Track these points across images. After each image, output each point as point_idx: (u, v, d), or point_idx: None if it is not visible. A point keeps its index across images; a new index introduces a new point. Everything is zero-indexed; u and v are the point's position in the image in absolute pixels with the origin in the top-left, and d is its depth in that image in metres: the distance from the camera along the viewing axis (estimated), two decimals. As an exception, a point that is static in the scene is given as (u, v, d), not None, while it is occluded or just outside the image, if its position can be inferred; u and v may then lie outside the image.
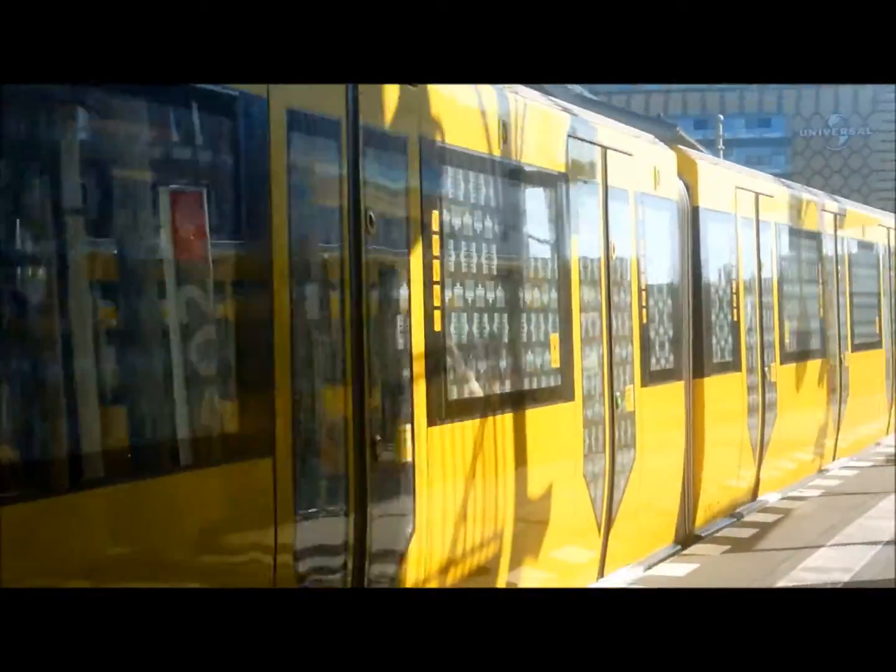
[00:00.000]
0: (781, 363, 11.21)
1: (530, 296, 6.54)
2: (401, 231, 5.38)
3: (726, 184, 10.39)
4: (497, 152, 6.12)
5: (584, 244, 7.20)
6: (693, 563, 8.29)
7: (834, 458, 12.21)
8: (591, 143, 7.36)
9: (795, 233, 12.02)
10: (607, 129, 8.06)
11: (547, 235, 7.09)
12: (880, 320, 14.65)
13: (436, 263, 5.38)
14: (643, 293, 7.96)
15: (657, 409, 8.15)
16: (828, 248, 12.69)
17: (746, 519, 9.84)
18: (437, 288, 5.38)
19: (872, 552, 8.24)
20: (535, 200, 7.02)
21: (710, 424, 9.16)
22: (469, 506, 5.75)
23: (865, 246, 14.74)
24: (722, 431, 9.55)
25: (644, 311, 7.94)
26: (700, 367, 8.97)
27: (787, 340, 11.27)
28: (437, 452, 5.53)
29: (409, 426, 5.25)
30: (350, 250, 4.82)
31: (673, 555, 8.37)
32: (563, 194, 6.99)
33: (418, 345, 5.39)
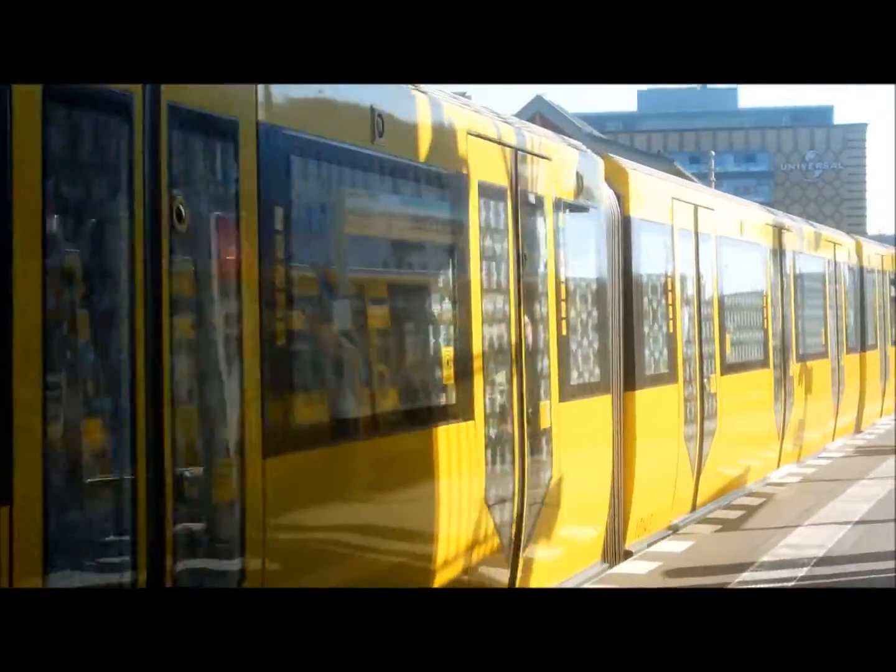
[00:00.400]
0: (722, 374, 11.01)
1: (411, 308, 5.82)
2: (228, 230, 4.42)
3: (662, 194, 10.04)
4: (369, 145, 5.26)
5: (487, 251, 6.56)
6: (689, 541, 9.29)
7: (778, 466, 12.52)
8: (498, 143, 6.74)
9: (738, 245, 11.91)
10: (519, 131, 7.38)
11: (435, 240, 6.30)
12: (826, 332, 14.94)
13: (279, 271, 4.53)
14: (563, 304, 7.45)
15: (579, 425, 7.61)
16: (773, 262, 12.83)
17: (736, 502, 10.98)
18: (281, 298, 4.56)
19: (843, 531, 9.54)
20: (419, 201, 6.20)
21: (643, 438, 8.82)
22: (324, 545, 4.85)
23: (813, 261, 15.00)
24: (656, 444, 9.26)
25: (564, 322, 7.44)
26: (631, 380, 8.61)
27: (728, 352, 11.13)
28: (276, 488, 4.44)
29: (238, 460, 4.24)
30: (146, 252, 3.87)
31: (600, 573, 7.97)
32: (460, 196, 6.32)
33: (252, 369, 4.35)
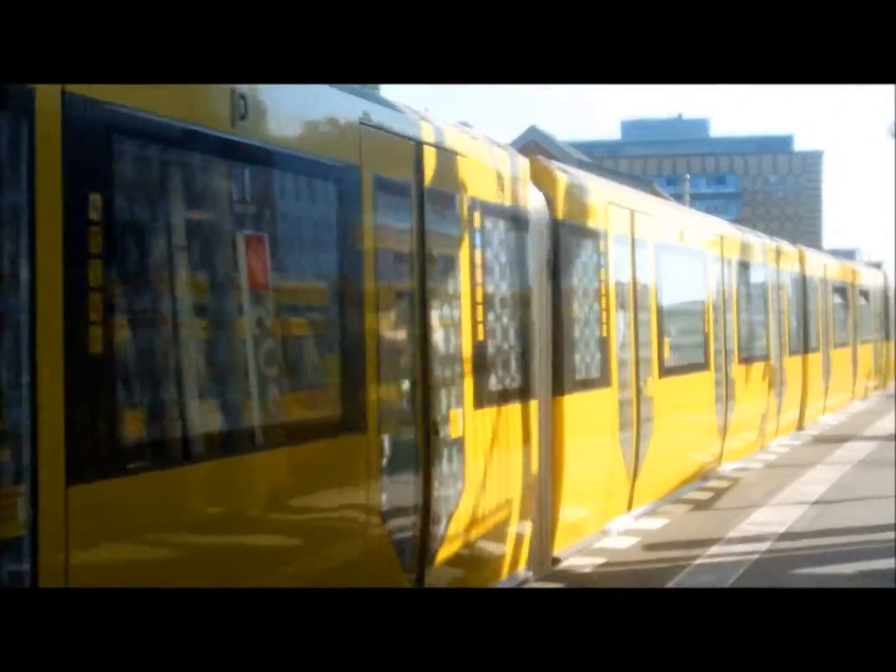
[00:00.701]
0: (660, 377, 10.88)
1: (280, 312, 5.09)
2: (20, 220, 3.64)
3: (595, 198, 9.74)
4: (228, 129, 4.54)
5: (383, 250, 5.95)
6: (665, 519, 10.35)
7: (720, 464, 12.82)
8: (397, 135, 6.16)
9: (679, 252, 11.98)
10: (427, 124, 6.75)
11: (314, 237, 5.59)
12: (769, 335, 15.39)
13: (94, 265, 3.69)
14: (479, 308, 6.99)
15: (498, 432, 7.25)
16: (714, 269, 13.11)
17: (707, 485, 12.16)
18: (95, 300, 3.71)
19: (801, 510, 10.53)
20: (294, 193, 5.53)
21: (571, 442, 8.53)
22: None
23: (756, 268, 15.34)
24: (587, 448, 9.02)
25: (480, 326, 6.99)
26: (560, 385, 8.35)
27: (667, 356, 11.08)
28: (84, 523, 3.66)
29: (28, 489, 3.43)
30: None
31: (523, 582, 7.63)
32: (349, 190, 5.66)
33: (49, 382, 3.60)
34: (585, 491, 9.10)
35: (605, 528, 9.60)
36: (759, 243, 16.80)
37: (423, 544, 6.34)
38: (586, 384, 9.18)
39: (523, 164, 8.26)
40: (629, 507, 10.03)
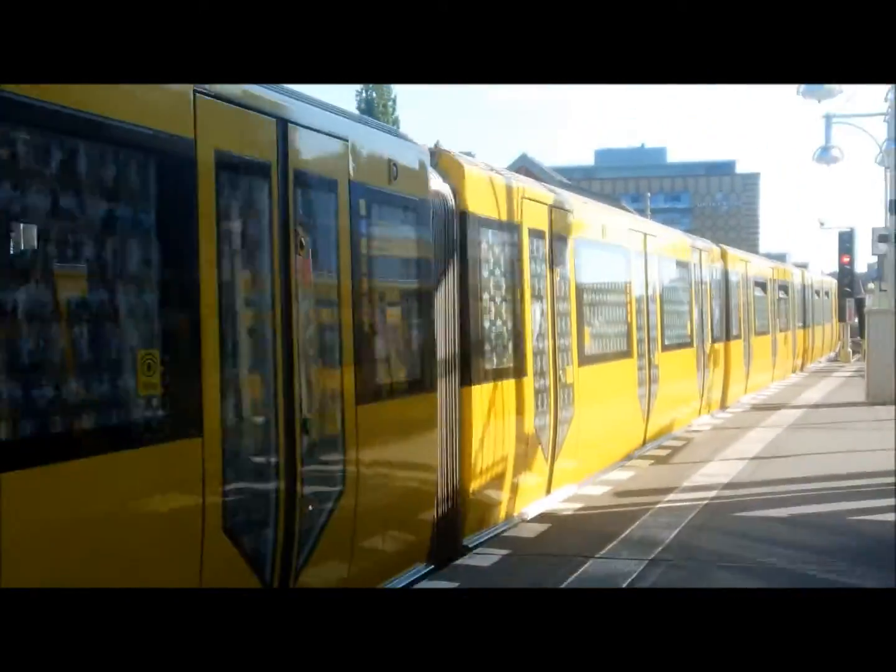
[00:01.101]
0: (580, 365, 11.09)
1: (89, 303, 4.25)
2: None
3: (509, 193, 9.57)
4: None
5: (229, 235, 5.33)
6: (632, 472, 11.98)
7: (644, 443, 13.63)
8: (253, 110, 5.46)
9: (600, 247, 12.32)
10: (295, 102, 6.02)
11: (132, 216, 4.56)
12: (692, 325, 16.47)
13: None
14: (365, 299, 6.53)
15: (387, 427, 6.89)
16: (636, 263, 13.74)
17: (665, 443, 14.22)
18: None
19: (742, 464, 12.17)
20: (103, 165, 4.49)
21: (481, 432, 8.46)
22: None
23: (679, 264, 16.40)
24: (499, 437, 8.96)
25: (367, 319, 6.56)
26: (468, 376, 8.24)
27: (587, 345, 11.41)
28: None
29: None
30: None
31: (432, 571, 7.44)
32: (179, 166, 4.87)
33: None
34: (497, 478, 9.04)
35: (522, 512, 9.45)
36: (683, 242, 17.74)
37: (287, 555, 5.64)
38: (499, 374, 9.09)
39: (422, 153, 7.77)
40: (548, 490, 10.16)
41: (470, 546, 8.34)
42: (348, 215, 6.42)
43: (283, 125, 5.75)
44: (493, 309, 9.14)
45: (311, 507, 5.88)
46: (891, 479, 10.19)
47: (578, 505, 9.99)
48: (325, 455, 6.15)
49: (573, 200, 12.20)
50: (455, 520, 8.23)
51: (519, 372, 9.53)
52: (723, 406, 19.55)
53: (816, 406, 19.66)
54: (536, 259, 10.20)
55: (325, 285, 6.25)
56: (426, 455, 7.58)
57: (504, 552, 7.94)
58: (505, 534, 8.68)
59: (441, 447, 7.92)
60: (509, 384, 9.32)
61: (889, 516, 8.56)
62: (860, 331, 30.23)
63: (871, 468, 11.50)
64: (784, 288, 27.69)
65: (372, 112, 40.39)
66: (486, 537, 8.68)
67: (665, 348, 14.98)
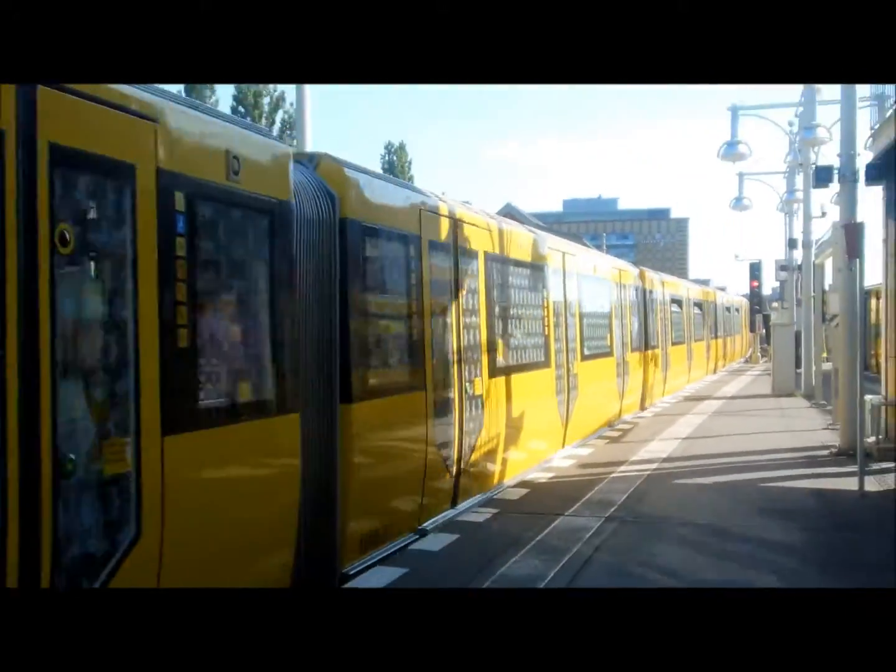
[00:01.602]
0: (490, 377, 10.96)
1: None
2: None
3: (404, 204, 9.14)
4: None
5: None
6: (591, 448, 14.51)
7: (563, 446, 14.26)
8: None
9: (512, 264, 12.46)
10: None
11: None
12: (612, 336, 17.74)
13: None
14: (185, 309, 5.45)
15: (221, 457, 5.86)
16: (555, 280, 14.33)
17: (618, 426, 17.29)
18: None
19: (676, 443, 14.64)
20: None
21: (366, 451, 7.90)
22: None
23: (598, 281, 17.34)
24: (390, 454, 8.54)
25: (184, 332, 5.40)
26: (348, 393, 7.57)
27: (499, 357, 11.46)
28: None
29: None
30: None
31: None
32: None
33: None
34: (387, 497, 8.56)
35: (421, 527, 9.06)
36: (603, 262, 18.77)
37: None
38: (389, 390, 8.50)
39: (283, 154, 6.74)
40: (454, 502, 10.01)
41: (350, 574, 7.55)
42: (155, 207, 5.24)
43: (56, 96, 4.48)
44: (382, 321, 8.52)
45: (132, 546, 4.86)
46: (791, 455, 13.26)
47: (551, 474, 12.09)
48: (129, 491, 4.91)
49: (486, 219, 11.85)
50: (335, 544, 7.47)
51: (416, 386, 8.96)
52: (641, 408, 20.83)
53: (733, 398, 23.48)
54: (440, 271, 9.66)
55: (120, 290, 5.03)
56: (285, 479, 6.58)
57: (493, 510, 9.70)
58: (495, 496, 10.46)
59: (308, 473, 6.92)
60: (403, 399, 8.74)
61: (787, 483, 11.22)
62: (767, 339, 38.47)
63: (776, 446, 14.19)
64: (699, 305, 31.04)
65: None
66: (379, 557, 8.08)
67: (585, 357, 15.87)
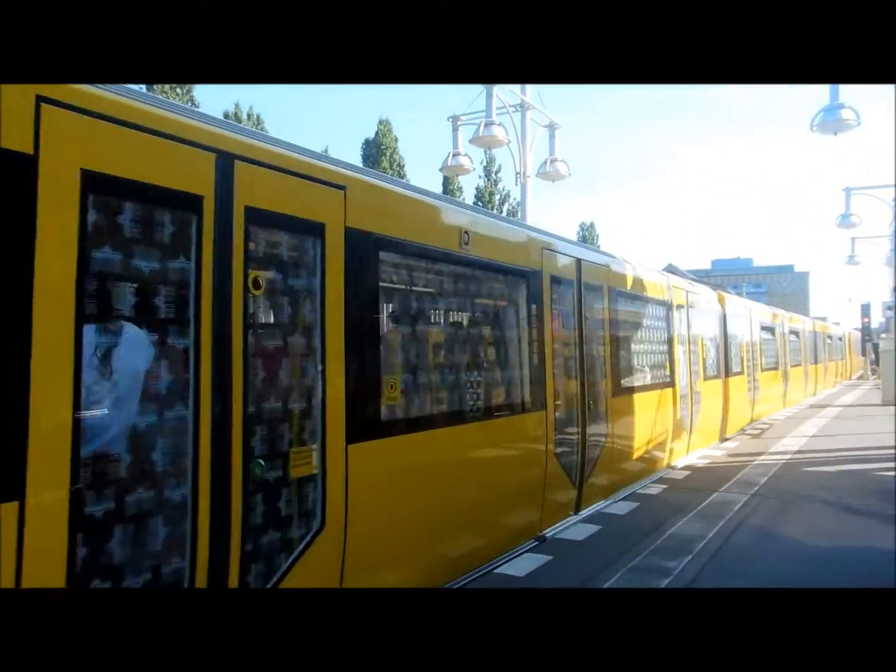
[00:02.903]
0: (657, 390, 11.40)
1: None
2: None
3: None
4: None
5: None
6: (737, 442, 16.09)
7: (688, 453, 14.07)
8: None
9: (652, 302, 12.64)
10: None
11: None
12: (721, 360, 17.19)
13: None
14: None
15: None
16: (679, 312, 14.34)
17: (757, 425, 18.48)
18: None
19: (805, 439, 15.77)
20: None
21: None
22: None
23: (709, 312, 16.55)
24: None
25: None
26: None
27: (672, 373, 12.57)
28: None
29: None
30: None
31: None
32: None
33: None
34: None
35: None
36: (712, 298, 16.81)
37: None
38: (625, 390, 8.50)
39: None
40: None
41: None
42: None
43: None
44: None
45: None
46: None
47: (707, 461, 14.45)
48: None
49: (632, 268, 12.54)
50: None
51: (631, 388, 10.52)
52: (721, 438, 17.00)
53: (850, 406, 26.62)
54: (595, 309, 9.93)
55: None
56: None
57: (664, 486, 11.86)
58: (665, 476, 12.25)
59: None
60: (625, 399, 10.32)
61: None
62: (876, 361, 43.52)
63: (885, 444, 15.93)
64: (795, 333, 30.88)
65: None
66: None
67: (706, 378, 16.43)
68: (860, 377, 50.58)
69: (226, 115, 34.20)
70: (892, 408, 25.68)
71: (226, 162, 4.93)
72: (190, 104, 29.21)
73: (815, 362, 31.61)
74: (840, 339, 47.34)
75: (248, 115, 35.98)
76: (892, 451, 15.34)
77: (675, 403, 13.76)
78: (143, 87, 4.90)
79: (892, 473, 12.96)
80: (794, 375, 27.59)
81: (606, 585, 6.96)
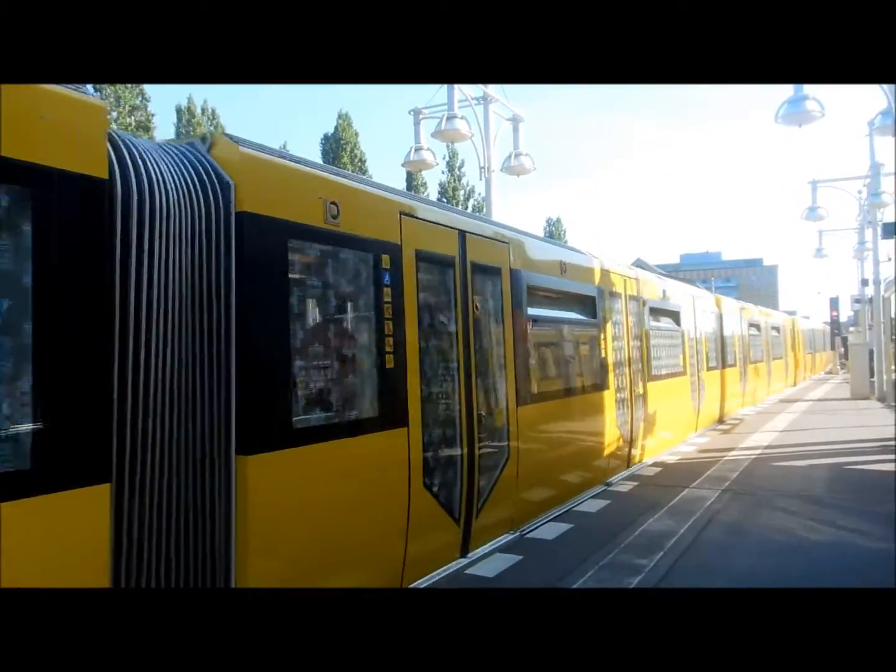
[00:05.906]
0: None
1: None
2: None
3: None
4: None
5: None
6: (707, 437, 16.92)
7: (696, 430, 15.94)
8: None
9: (661, 306, 14.14)
10: None
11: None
12: (718, 353, 19.70)
13: None
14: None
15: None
16: (687, 314, 16.57)
17: (729, 421, 18.39)
18: None
19: (775, 434, 16.49)
20: None
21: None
22: None
23: (712, 314, 19.59)
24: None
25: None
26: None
27: (685, 365, 14.03)
28: None
29: None
30: None
31: None
32: None
33: None
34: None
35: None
36: (709, 301, 19.50)
37: None
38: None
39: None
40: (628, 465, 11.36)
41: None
42: (510, 287, 8.76)
43: None
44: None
45: None
46: (867, 444, 15.33)
47: (678, 457, 14.33)
48: None
49: (645, 275, 13.16)
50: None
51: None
52: (720, 420, 20.61)
53: (820, 400, 27.24)
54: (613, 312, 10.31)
55: (489, 333, 8.02)
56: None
57: (634, 483, 11.90)
58: (636, 472, 12.42)
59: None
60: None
61: (865, 466, 12.85)
62: (845, 355, 44.00)
63: (854, 437, 16.50)
64: (776, 328, 33.08)
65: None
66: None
67: (709, 369, 18.22)
68: (829, 371, 52.74)
69: (178, 110, 36.14)
70: (860, 402, 26.28)
71: (462, 236, 8.04)
72: (140, 98, 33.12)
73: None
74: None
75: (203, 110, 35.63)
76: (861, 446, 16.03)
77: (691, 391, 16.23)
78: (90, 87, 4.61)
79: (861, 467, 13.53)
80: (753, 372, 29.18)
81: (577, 584, 7.00)
